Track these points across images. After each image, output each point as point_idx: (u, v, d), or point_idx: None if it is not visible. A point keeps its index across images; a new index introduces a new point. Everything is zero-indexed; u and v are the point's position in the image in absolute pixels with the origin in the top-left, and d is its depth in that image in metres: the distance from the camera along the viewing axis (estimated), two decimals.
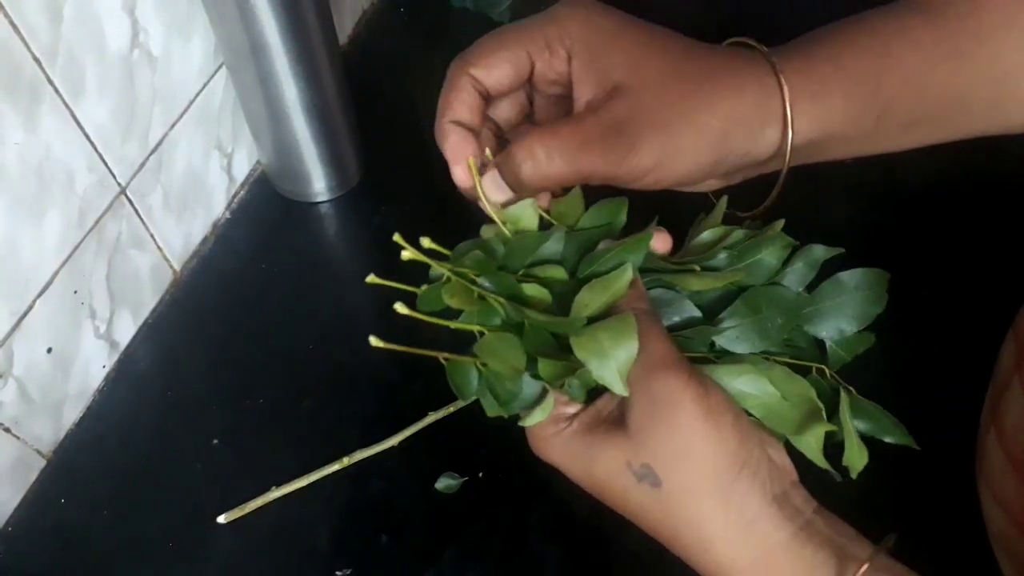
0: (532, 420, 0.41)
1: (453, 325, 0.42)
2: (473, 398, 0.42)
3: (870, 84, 0.41)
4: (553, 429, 0.41)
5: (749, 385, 0.40)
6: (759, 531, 0.37)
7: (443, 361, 0.42)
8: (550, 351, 0.40)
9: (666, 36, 0.43)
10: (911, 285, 0.60)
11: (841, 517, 0.40)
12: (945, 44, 0.41)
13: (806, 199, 0.47)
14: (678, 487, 0.37)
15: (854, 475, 0.42)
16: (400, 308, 0.41)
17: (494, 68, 0.42)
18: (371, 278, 0.41)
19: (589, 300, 0.40)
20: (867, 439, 0.43)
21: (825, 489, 0.41)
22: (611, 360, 0.38)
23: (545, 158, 0.40)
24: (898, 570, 0.38)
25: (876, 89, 0.41)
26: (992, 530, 0.45)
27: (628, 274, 0.40)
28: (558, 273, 0.42)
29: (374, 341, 0.40)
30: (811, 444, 0.41)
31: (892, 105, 0.42)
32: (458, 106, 0.43)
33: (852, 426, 0.42)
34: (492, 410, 0.42)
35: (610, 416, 0.40)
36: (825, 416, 0.41)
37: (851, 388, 0.43)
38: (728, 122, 0.40)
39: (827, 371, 0.43)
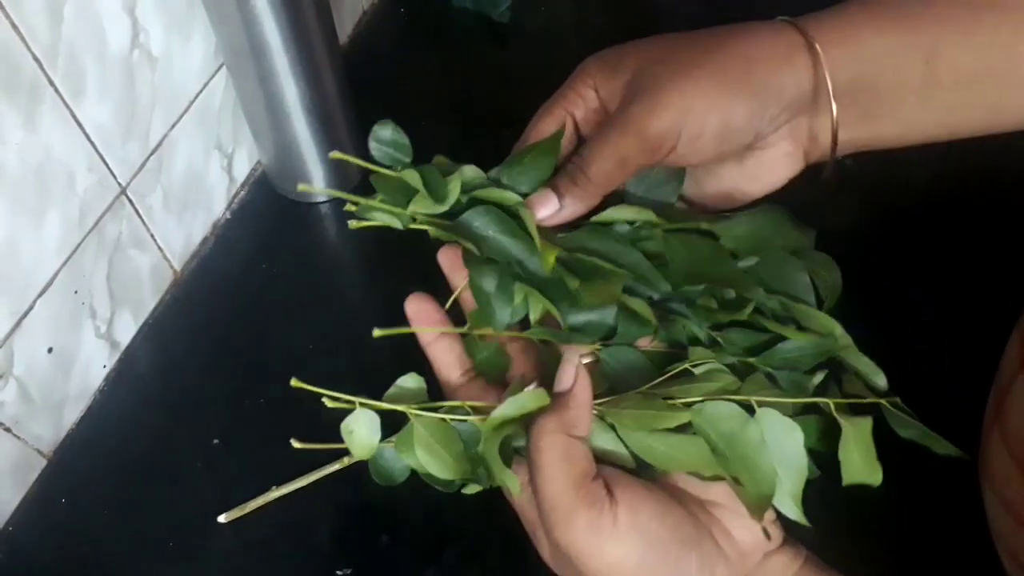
0: (470, 490, 0.45)
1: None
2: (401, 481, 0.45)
3: (904, 21, 0.40)
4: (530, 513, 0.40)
5: (691, 455, 0.38)
6: None
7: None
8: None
9: (676, 33, 0.43)
10: (914, 285, 0.60)
11: (842, 517, 0.40)
12: (999, 8, 0.40)
13: (808, 198, 0.47)
14: None
15: (846, 481, 0.40)
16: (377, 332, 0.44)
17: (544, 135, 0.45)
18: (377, 331, 0.44)
19: (504, 416, 0.39)
20: (885, 442, 0.41)
21: (827, 491, 0.41)
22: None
23: (584, 173, 0.41)
24: None
25: (913, 27, 0.40)
26: (995, 530, 0.45)
27: (542, 399, 0.38)
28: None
29: (377, 332, 0.43)
30: (788, 500, 0.39)
31: (938, 48, 0.40)
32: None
33: (857, 452, 0.39)
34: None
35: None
36: (808, 467, 0.39)
37: (886, 402, 0.42)
38: (744, 59, 0.40)
39: (831, 403, 0.41)
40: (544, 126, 0.45)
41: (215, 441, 0.59)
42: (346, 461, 0.56)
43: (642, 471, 0.39)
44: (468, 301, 0.45)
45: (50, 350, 0.57)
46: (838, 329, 0.42)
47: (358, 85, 0.69)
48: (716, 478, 0.38)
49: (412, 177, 0.44)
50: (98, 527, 0.56)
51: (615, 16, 0.85)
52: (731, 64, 0.40)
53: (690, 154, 0.41)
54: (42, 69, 0.50)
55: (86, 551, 0.56)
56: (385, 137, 0.45)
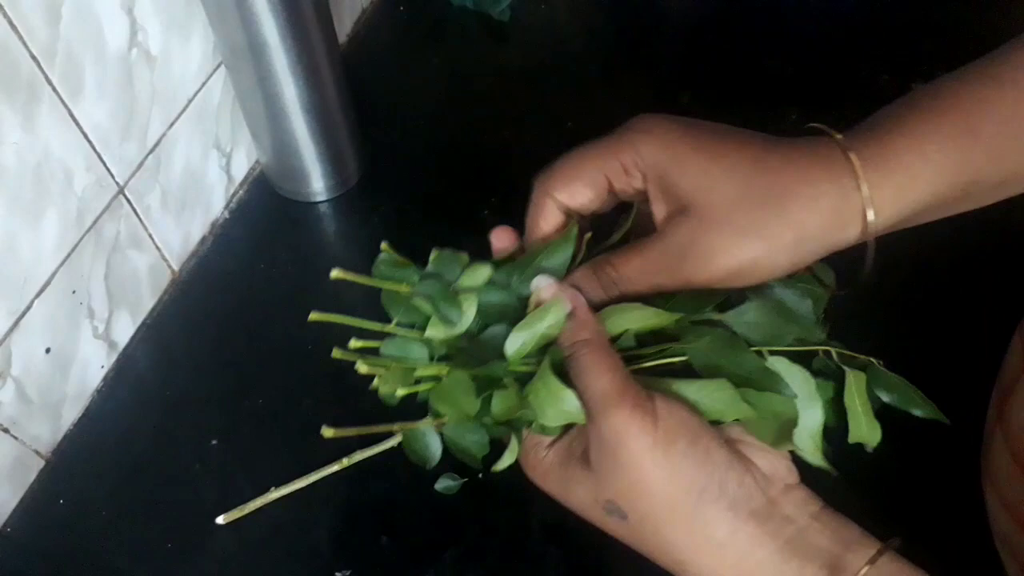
0: (501, 464, 0.43)
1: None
2: (435, 463, 0.44)
3: (955, 167, 0.41)
4: (534, 459, 0.42)
5: (713, 399, 0.40)
6: (734, 552, 0.37)
7: (397, 431, 0.45)
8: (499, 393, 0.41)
9: (739, 148, 0.42)
10: (917, 285, 0.60)
11: (843, 514, 0.40)
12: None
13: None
14: (641, 519, 0.38)
15: (869, 449, 0.41)
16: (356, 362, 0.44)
17: (576, 193, 0.44)
18: (314, 315, 0.44)
19: (522, 340, 0.41)
20: (887, 442, 0.42)
21: (828, 490, 0.41)
22: (550, 413, 0.40)
23: (616, 282, 0.42)
24: (898, 573, 0.37)
25: (961, 169, 0.41)
26: (997, 531, 0.45)
27: (560, 307, 0.40)
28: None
29: (326, 432, 0.44)
30: (808, 445, 0.40)
31: (978, 178, 0.41)
32: (545, 226, 0.45)
33: (859, 404, 0.41)
34: (473, 462, 0.43)
35: (578, 450, 0.41)
36: (822, 407, 0.40)
37: (874, 360, 0.42)
38: (801, 230, 0.40)
39: (833, 352, 0.42)
40: (578, 183, 0.44)
41: (214, 442, 0.59)
42: (345, 462, 0.56)
43: None
44: None
45: (48, 350, 0.56)
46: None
47: (357, 84, 0.69)
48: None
49: (422, 306, 0.44)
50: (96, 528, 0.56)
51: (615, 15, 0.85)
52: (787, 237, 0.40)
53: (725, 286, 0.42)
54: (40, 68, 0.50)
55: (84, 552, 0.55)
56: (387, 271, 0.46)
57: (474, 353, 0.43)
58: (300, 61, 0.61)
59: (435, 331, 0.44)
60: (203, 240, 0.69)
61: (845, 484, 0.42)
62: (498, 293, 0.44)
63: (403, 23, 0.84)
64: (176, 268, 0.67)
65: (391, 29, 0.84)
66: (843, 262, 0.43)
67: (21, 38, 0.48)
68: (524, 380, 0.41)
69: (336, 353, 0.43)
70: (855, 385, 0.41)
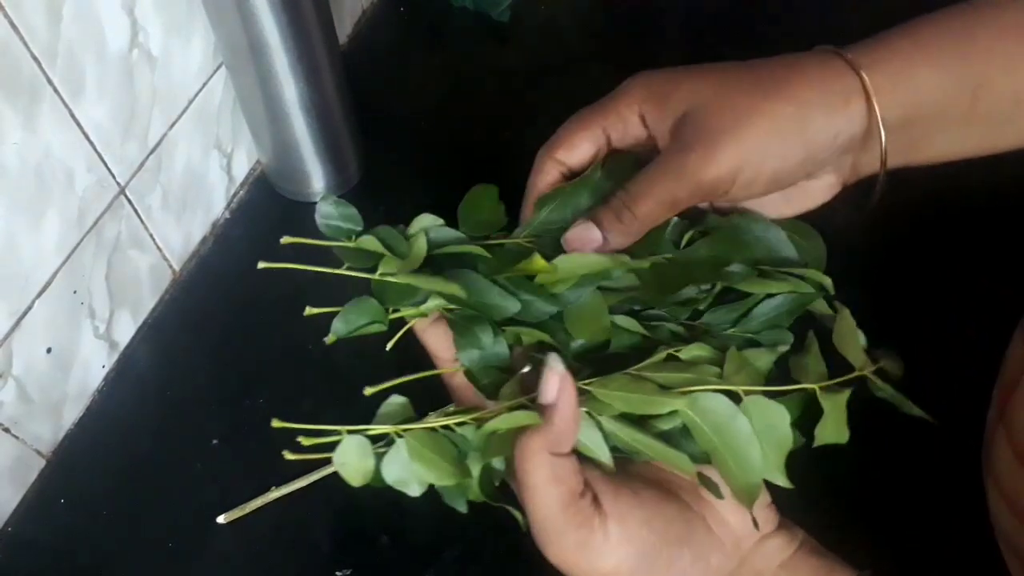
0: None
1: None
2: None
3: (955, 55, 0.40)
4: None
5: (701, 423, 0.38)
6: None
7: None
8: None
9: (726, 63, 0.42)
10: (919, 283, 0.60)
11: (845, 518, 0.39)
12: None
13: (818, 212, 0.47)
14: None
15: (817, 443, 0.40)
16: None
17: (575, 148, 0.45)
18: (309, 311, 0.44)
19: (495, 428, 0.40)
20: (889, 441, 0.41)
21: (830, 490, 0.41)
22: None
23: (632, 212, 0.41)
24: None
25: (963, 60, 0.40)
26: (999, 529, 0.45)
27: (533, 419, 0.38)
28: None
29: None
30: (774, 472, 0.39)
31: (986, 80, 0.40)
32: (543, 187, 0.46)
33: (829, 423, 0.40)
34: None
35: None
36: (793, 440, 0.39)
37: (871, 372, 0.42)
38: (802, 104, 0.40)
39: (816, 389, 0.40)
40: (578, 139, 0.45)
41: (214, 441, 0.59)
42: None
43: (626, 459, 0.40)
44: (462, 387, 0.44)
45: (49, 350, 0.56)
46: (827, 280, 0.42)
47: (358, 84, 0.69)
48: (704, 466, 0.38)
49: (371, 243, 0.45)
50: (97, 527, 0.56)
51: (615, 14, 0.85)
52: (787, 111, 0.39)
53: (741, 196, 0.42)
54: (41, 69, 0.50)
55: (85, 551, 0.56)
56: (330, 212, 0.46)
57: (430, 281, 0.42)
58: (301, 61, 0.61)
59: (387, 266, 0.43)
60: (204, 240, 0.69)
61: (846, 484, 0.42)
62: (451, 234, 0.45)
63: (403, 24, 0.84)
64: (177, 268, 0.67)
65: (391, 30, 0.84)
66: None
67: (22, 38, 0.48)
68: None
69: (288, 455, 0.44)
70: (832, 411, 0.40)
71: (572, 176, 0.46)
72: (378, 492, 0.56)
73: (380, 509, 0.56)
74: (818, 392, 0.40)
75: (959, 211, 0.64)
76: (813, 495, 0.41)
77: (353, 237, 0.46)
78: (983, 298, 0.58)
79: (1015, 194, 0.63)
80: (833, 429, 0.39)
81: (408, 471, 0.42)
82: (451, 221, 0.47)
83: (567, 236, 0.42)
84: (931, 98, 0.40)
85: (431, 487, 0.43)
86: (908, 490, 0.52)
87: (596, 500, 0.37)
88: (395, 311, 0.44)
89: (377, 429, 0.43)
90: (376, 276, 0.43)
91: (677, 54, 0.80)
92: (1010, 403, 0.42)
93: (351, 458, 0.42)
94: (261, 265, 0.43)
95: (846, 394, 0.40)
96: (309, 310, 0.44)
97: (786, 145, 0.40)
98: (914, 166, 0.44)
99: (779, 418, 0.38)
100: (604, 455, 0.38)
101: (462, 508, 0.43)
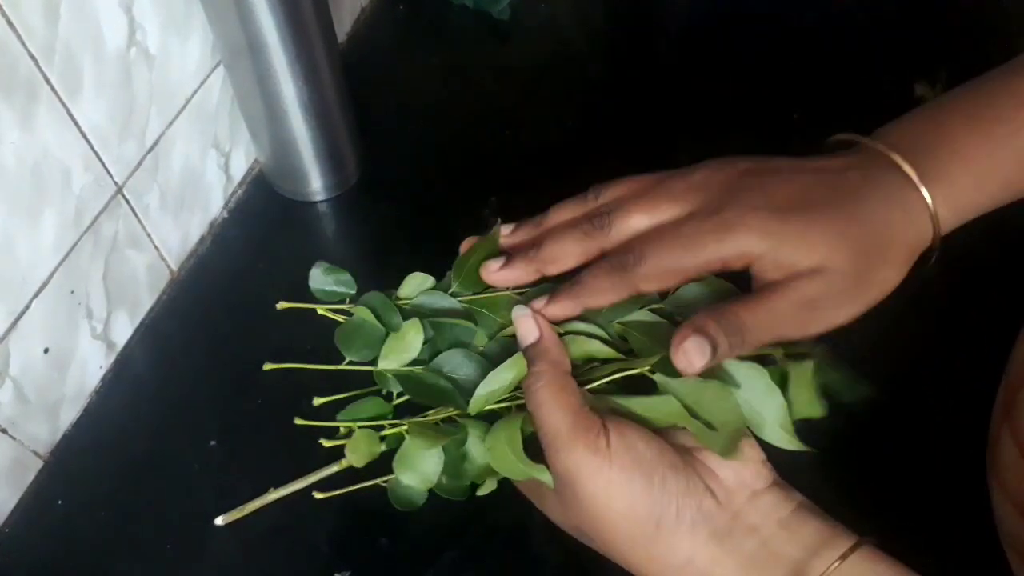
0: (484, 490, 0.48)
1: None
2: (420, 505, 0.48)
3: (991, 155, 0.43)
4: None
5: (660, 412, 0.41)
6: (696, 570, 0.38)
7: (383, 484, 0.48)
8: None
9: (822, 206, 0.42)
10: (923, 282, 0.60)
11: (848, 518, 0.39)
12: None
13: None
14: (605, 546, 0.40)
15: (794, 416, 0.41)
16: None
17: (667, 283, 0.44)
18: (281, 304, 0.48)
19: (488, 391, 0.43)
20: (892, 441, 0.42)
21: (831, 490, 0.40)
22: (506, 469, 0.42)
23: (741, 331, 0.40)
24: (872, 568, 0.37)
25: (1000, 162, 0.43)
26: (1003, 529, 0.45)
27: (520, 364, 0.42)
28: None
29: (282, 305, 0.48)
30: (778, 435, 0.41)
31: (1017, 162, 0.43)
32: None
33: (799, 389, 0.41)
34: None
35: None
36: (782, 395, 0.41)
37: (813, 351, 0.42)
38: (883, 244, 0.42)
39: (776, 354, 0.42)
40: (676, 280, 0.45)
41: (212, 442, 0.59)
42: (344, 463, 0.56)
43: None
44: None
45: (46, 350, 0.56)
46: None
47: (356, 83, 0.69)
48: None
49: (363, 312, 0.47)
50: (95, 529, 0.56)
51: (615, 13, 0.84)
52: (892, 275, 0.42)
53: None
54: (38, 67, 0.50)
55: (83, 553, 0.55)
56: (322, 279, 0.49)
57: (431, 389, 0.45)
58: (299, 60, 0.61)
59: (388, 362, 0.46)
60: (202, 240, 0.69)
61: (849, 483, 0.42)
62: (442, 298, 0.46)
63: (403, 22, 0.84)
64: (175, 268, 0.67)
65: (390, 28, 0.83)
66: None
67: (19, 37, 0.48)
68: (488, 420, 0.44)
69: (299, 421, 0.48)
70: (797, 377, 0.41)
71: None
72: (378, 493, 0.56)
73: (380, 510, 0.55)
74: (779, 356, 0.41)
75: None
76: (814, 496, 0.41)
77: (347, 300, 0.48)
78: (989, 296, 0.58)
79: None
80: (804, 399, 0.41)
81: (415, 464, 0.45)
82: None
83: (682, 350, 0.40)
84: (975, 205, 0.44)
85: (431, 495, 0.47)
86: (911, 489, 0.52)
87: (598, 416, 0.40)
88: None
89: (390, 432, 0.46)
90: (377, 369, 0.47)
91: (677, 52, 0.80)
92: (1014, 403, 0.42)
93: (360, 449, 0.47)
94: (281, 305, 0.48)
95: (810, 365, 0.41)
96: (317, 400, 0.50)
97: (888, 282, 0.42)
98: None
99: (759, 379, 0.40)
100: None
101: (463, 496, 0.46)
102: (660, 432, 0.41)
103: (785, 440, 0.40)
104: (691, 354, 0.39)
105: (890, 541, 0.39)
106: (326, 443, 0.46)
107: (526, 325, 0.43)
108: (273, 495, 0.55)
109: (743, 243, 0.41)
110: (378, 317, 0.46)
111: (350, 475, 0.46)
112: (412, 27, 0.84)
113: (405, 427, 0.45)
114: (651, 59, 0.80)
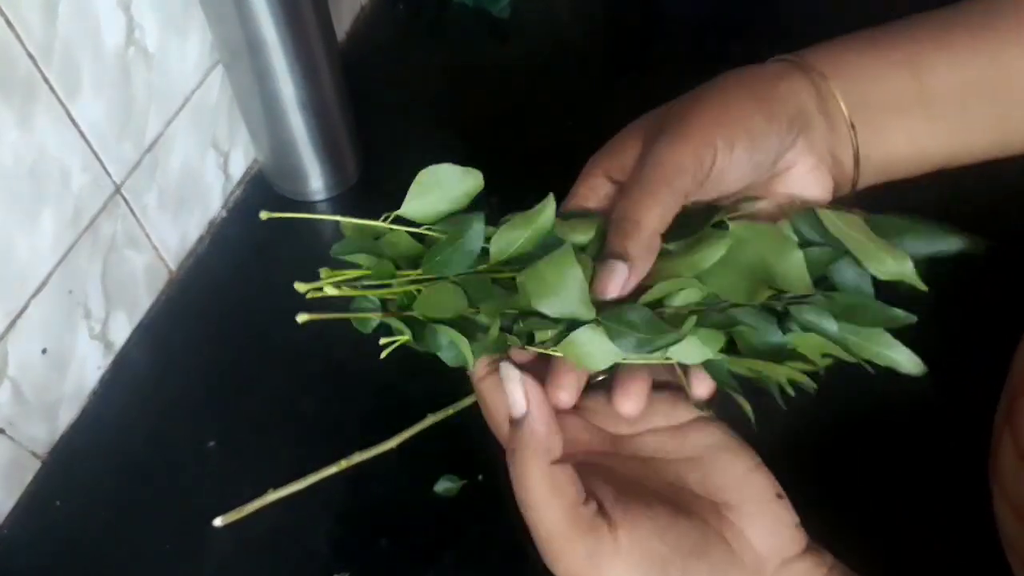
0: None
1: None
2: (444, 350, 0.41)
3: (885, 43, 0.43)
4: None
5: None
6: None
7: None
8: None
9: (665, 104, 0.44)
10: (924, 281, 0.60)
11: (849, 523, 0.39)
12: (959, 18, 0.43)
13: None
14: None
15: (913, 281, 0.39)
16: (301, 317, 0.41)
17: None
18: (302, 316, 0.42)
19: (508, 240, 0.39)
20: (894, 445, 0.40)
21: (833, 494, 0.40)
22: (557, 296, 0.37)
23: (642, 228, 0.39)
24: None
25: (893, 47, 0.42)
26: (1005, 534, 0.44)
27: (551, 205, 0.39)
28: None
29: (301, 317, 0.41)
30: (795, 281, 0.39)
31: (922, 63, 0.42)
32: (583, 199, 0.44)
33: (861, 237, 0.39)
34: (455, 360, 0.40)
35: None
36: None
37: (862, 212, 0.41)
38: (740, 82, 0.42)
39: (816, 209, 0.41)
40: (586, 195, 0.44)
41: (211, 443, 0.59)
42: (344, 464, 0.56)
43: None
44: None
45: (44, 351, 0.56)
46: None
47: (356, 82, 0.68)
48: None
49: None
50: (93, 530, 0.56)
51: (615, 12, 0.84)
52: (729, 87, 0.42)
53: (732, 166, 0.40)
54: (37, 67, 0.49)
55: (81, 553, 0.55)
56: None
57: (449, 258, 0.40)
58: (298, 59, 0.61)
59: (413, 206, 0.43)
60: (200, 239, 0.69)
61: (850, 488, 0.41)
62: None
63: (402, 21, 0.84)
64: (173, 268, 0.67)
65: (390, 27, 0.83)
66: None
67: (18, 36, 0.48)
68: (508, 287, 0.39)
69: (299, 287, 0.43)
70: (842, 222, 0.39)
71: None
72: (377, 493, 0.56)
73: (379, 511, 0.56)
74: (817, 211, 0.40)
75: (963, 213, 0.64)
76: (815, 500, 0.41)
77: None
78: (991, 300, 0.58)
79: (1020, 194, 0.63)
80: (879, 254, 0.39)
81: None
82: None
83: (597, 287, 0.38)
84: (872, 82, 0.42)
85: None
86: (914, 495, 0.51)
87: (602, 510, 0.36)
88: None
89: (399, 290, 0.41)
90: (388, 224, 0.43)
91: (677, 50, 0.80)
92: (1016, 407, 0.42)
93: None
94: (264, 215, 0.43)
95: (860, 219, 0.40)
96: (302, 316, 0.42)
97: (742, 105, 0.41)
98: (898, 168, 0.44)
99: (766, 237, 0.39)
100: (605, 363, 0.37)
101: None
102: (691, 491, 0.38)
103: (799, 286, 0.38)
104: (609, 285, 0.38)
105: (894, 546, 0.38)
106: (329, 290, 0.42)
107: (514, 394, 0.37)
108: (272, 496, 0.55)
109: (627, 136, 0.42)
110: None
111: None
112: (412, 26, 0.84)
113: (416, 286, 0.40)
114: (651, 58, 0.79)
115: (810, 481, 0.41)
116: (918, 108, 0.42)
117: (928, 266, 0.39)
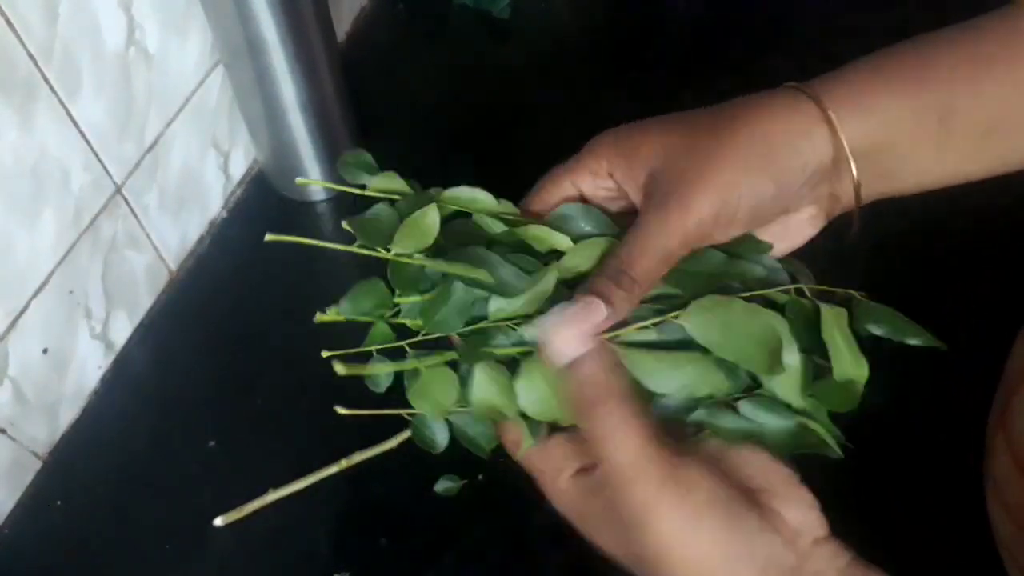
0: (521, 452, 0.42)
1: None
2: (443, 448, 0.44)
3: (916, 82, 0.41)
4: (551, 486, 0.41)
5: (702, 332, 0.39)
6: None
7: (407, 417, 0.44)
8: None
9: (690, 112, 0.43)
10: (919, 287, 0.60)
11: (845, 525, 0.39)
12: (987, 47, 0.41)
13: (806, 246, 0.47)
14: None
15: (858, 388, 0.39)
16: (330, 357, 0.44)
17: (548, 201, 0.45)
18: (319, 316, 0.45)
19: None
20: (889, 448, 0.41)
21: (829, 496, 0.40)
22: (537, 406, 0.39)
23: (631, 275, 0.40)
24: None
25: (925, 87, 0.41)
26: (998, 536, 0.44)
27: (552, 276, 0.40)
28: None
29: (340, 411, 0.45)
30: (786, 384, 0.39)
31: (951, 106, 0.41)
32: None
33: (840, 339, 0.39)
34: (481, 452, 0.43)
35: (604, 494, 0.39)
36: (798, 344, 0.39)
37: (855, 293, 0.41)
38: (766, 139, 0.41)
39: (806, 289, 0.41)
40: (548, 195, 0.45)
41: (211, 443, 0.59)
42: (344, 463, 0.56)
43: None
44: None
45: (45, 351, 0.56)
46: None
47: (356, 83, 0.68)
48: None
49: (388, 182, 0.45)
50: (93, 529, 0.56)
51: (615, 12, 0.84)
52: (752, 149, 0.40)
53: (725, 236, 0.42)
54: (37, 67, 0.49)
55: (81, 553, 0.55)
56: (355, 160, 0.46)
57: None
58: (299, 59, 0.61)
59: (401, 244, 0.43)
60: (201, 240, 0.69)
61: (846, 490, 0.41)
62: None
63: (402, 21, 0.84)
64: (174, 268, 0.67)
65: (390, 27, 0.83)
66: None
67: (18, 36, 0.48)
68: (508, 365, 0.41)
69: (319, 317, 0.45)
70: (834, 320, 0.39)
71: None
72: (377, 493, 0.56)
73: (379, 511, 0.56)
74: (807, 292, 0.40)
75: (959, 216, 0.64)
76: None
77: (368, 186, 0.46)
78: (985, 304, 0.58)
79: (1017, 197, 0.63)
80: (845, 350, 0.39)
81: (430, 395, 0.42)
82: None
83: (568, 315, 0.39)
84: (896, 125, 0.41)
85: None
86: (909, 495, 0.52)
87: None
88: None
89: (408, 365, 0.43)
90: (391, 256, 0.43)
91: (677, 51, 0.80)
92: (1010, 410, 0.42)
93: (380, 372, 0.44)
94: (268, 237, 0.43)
95: (844, 311, 0.39)
96: (319, 316, 0.45)
97: (756, 182, 0.40)
98: (894, 196, 0.44)
99: (776, 323, 0.39)
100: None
101: (484, 452, 0.43)
102: (726, 471, 0.39)
103: (792, 395, 0.39)
104: (583, 317, 0.39)
105: (889, 548, 0.38)
106: (341, 370, 0.43)
107: (568, 337, 0.38)
108: (272, 496, 0.55)
109: (597, 145, 0.44)
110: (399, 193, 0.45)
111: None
112: (412, 26, 0.84)
113: (421, 362, 0.42)
114: (651, 58, 0.79)
115: (805, 480, 0.41)
116: (934, 151, 0.42)
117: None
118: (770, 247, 0.44)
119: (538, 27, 0.82)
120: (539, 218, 0.45)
